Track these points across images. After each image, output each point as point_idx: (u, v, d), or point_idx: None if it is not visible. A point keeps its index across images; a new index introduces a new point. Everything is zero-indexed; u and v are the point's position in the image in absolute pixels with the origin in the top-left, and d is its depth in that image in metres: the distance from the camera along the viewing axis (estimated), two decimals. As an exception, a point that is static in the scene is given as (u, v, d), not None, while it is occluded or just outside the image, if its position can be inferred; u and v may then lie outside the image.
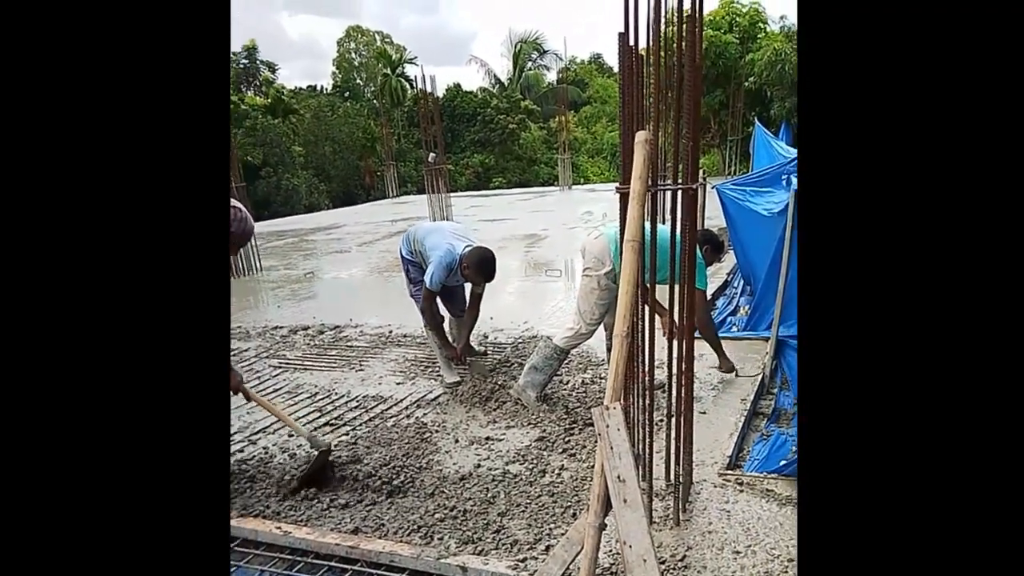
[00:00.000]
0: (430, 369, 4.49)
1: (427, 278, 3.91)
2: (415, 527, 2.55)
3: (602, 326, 3.78)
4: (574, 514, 2.54)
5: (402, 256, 4.33)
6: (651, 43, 2.31)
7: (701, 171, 5.55)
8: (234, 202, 2.83)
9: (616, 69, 2.25)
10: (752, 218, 4.53)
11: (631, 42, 2.28)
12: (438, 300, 4.30)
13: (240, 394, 2.98)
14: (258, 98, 28.30)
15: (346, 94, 34.40)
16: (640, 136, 2.25)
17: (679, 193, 2.36)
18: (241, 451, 3.35)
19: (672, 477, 2.55)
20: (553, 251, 9.08)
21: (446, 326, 4.37)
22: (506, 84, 35.04)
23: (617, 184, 2.41)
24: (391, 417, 3.73)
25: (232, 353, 5.21)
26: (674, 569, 2.22)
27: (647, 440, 2.55)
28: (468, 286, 4.24)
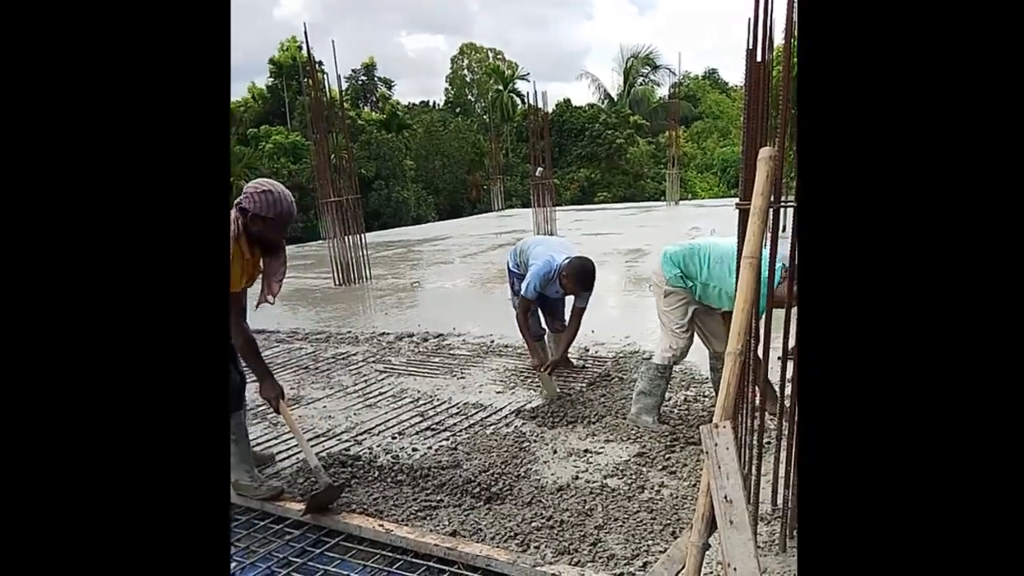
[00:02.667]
0: (530, 380, 4.51)
1: (523, 286, 3.97)
2: (512, 534, 2.55)
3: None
4: (673, 532, 2.47)
5: (509, 269, 4.44)
6: (777, 57, 2.24)
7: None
8: (269, 182, 2.84)
9: (731, 84, 2.20)
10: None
11: (758, 58, 2.22)
12: (539, 313, 4.33)
13: (274, 407, 2.98)
14: (374, 113, 29.57)
15: (457, 110, 35.38)
16: (764, 152, 2.18)
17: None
18: (347, 451, 3.48)
19: (779, 501, 2.43)
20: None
21: (546, 340, 4.38)
22: (616, 99, 34.94)
23: (737, 200, 2.34)
24: (491, 425, 3.76)
25: (342, 356, 5.43)
26: (780, 599, 2.11)
27: (754, 462, 2.44)
28: (570, 300, 4.24)
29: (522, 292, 3.98)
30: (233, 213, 2.77)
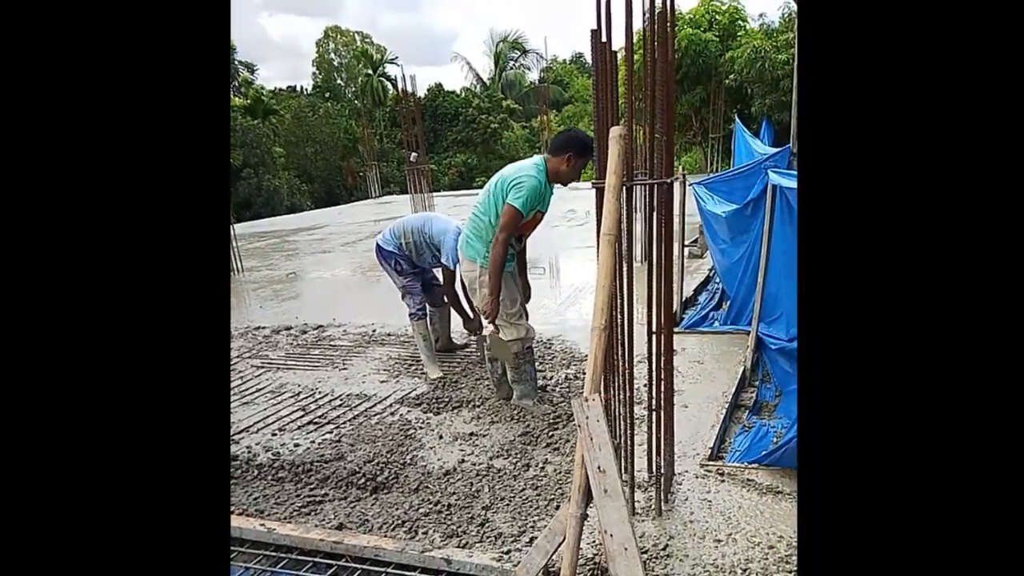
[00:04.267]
0: (413, 367, 4.51)
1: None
2: (400, 522, 2.57)
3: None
4: (557, 506, 2.57)
5: (386, 252, 4.30)
6: (625, 41, 2.35)
7: (680, 168, 5.60)
8: None
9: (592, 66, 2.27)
10: (723, 215, 4.59)
11: (604, 39, 2.32)
12: (417, 292, 4.31)
13: None
14: (237, 99, 28.09)
15: (327, 95, 34.25)
16: (614, 131, 2.28)
17: (654, 187, 2.40)
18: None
19: (654, 468, 2.59)
20: (535, 250, 9.10)
21: (423, 326, 4.36)
22: (488, 83, 35.06)
23: (593, 180, 2.44)
24: (375, 415, 3.74)
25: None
26: (656, 558, 2.26)
27: (628, 432, 2.58)
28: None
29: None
30: None
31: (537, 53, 34.97)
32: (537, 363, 4.33)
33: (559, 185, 3.35)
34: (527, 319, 3.51)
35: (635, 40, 2.56)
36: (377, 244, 4.37)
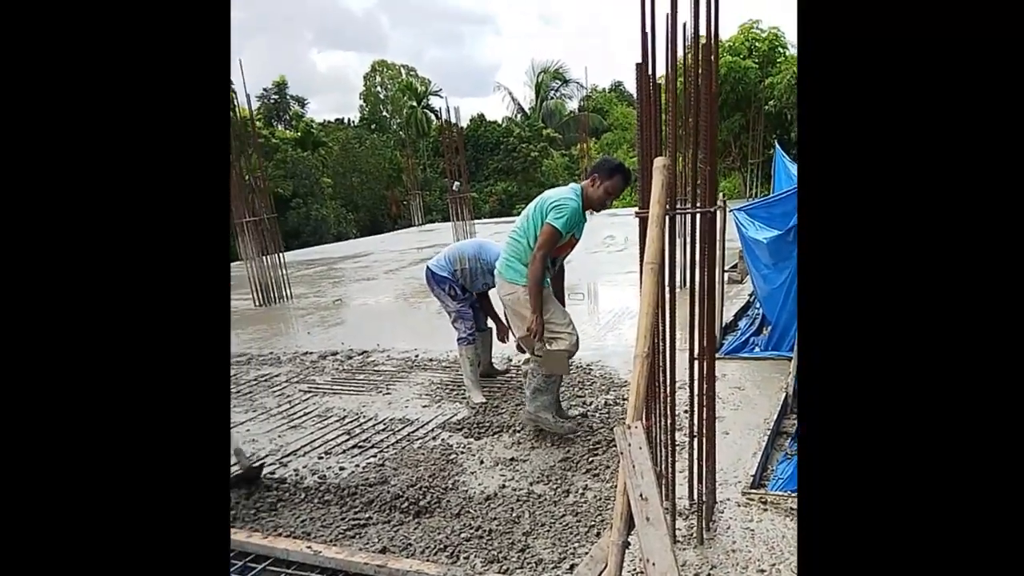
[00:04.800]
0: (455, 392, 4.55)
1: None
2: (442, 546, 2.60)
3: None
4: (598, 533, 2.57)
5: (439, 277, 4.35)
6: (668, 70, 2.39)
7: (720, 194, 5.59)
8: None
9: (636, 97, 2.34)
10: (765, 240, 4.57)
11: (648, 71, 2.37)
12: (469, 317, 4.35)
13: None
14: (288, 132, 28.95)
15: (373, 126, 35.03)
16: (658, 162, 2.32)
17: (697, 216, 2.42)
18: (272, 474, 3.43)
19: (695, 496, 2.57)
20: (575, 275, 9.13)
21: (472, 351, 4.39)
22: (528, 113, 35.47)
23: (636, 209, 2.48)
24: (417, 439, 3.79)
25: (264, 378, 5.33)
26: (698, 587, 2.24)
27: (670, 459, 2.57)
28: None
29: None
30: None
31: (577, 82, 35.27)
32: (576, 388, 4.35)
33: (591, 212, 3.43)
34: (574, 328, 3.47)
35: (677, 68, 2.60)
36: (430, 270, 4.41)
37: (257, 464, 3.01)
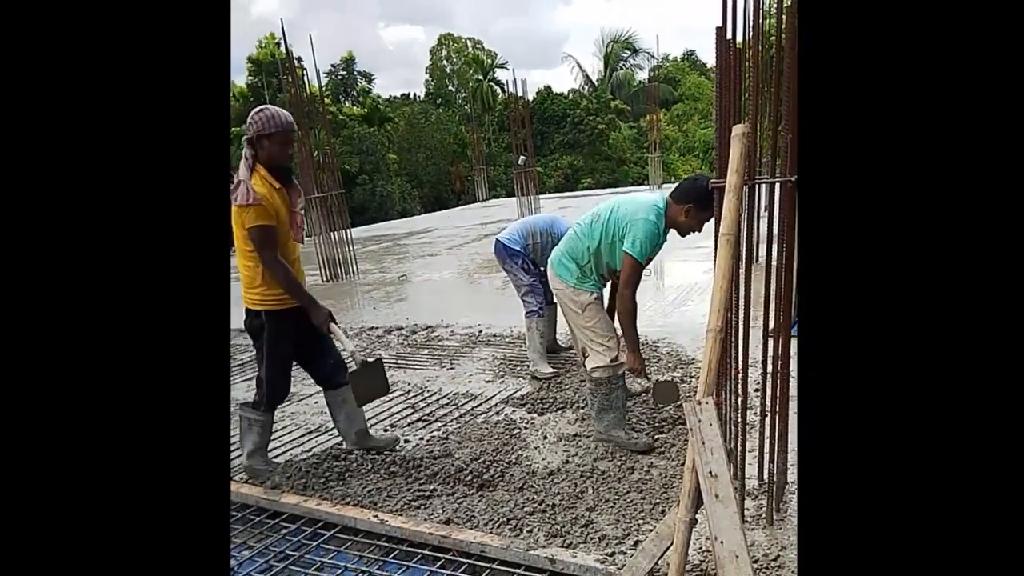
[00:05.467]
0: (518, 368, 4.54)
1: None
2: (504, 519, 2.59)
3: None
4: (663, 511, 2.52)
5: (512, 251, 4.32)
6: (749, 36, 2.27)
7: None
8: (263, 106, 2.94)
9: (710, 65, 2.22)
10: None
11: (728, 36, 2.25)
12: (540, 291, 4.28)
13: (326, 328, 3.00)
14: (355, 108, 29.38)
15: (438, 101, 35.21)
16: (737, 129, 2.21)
17: (776, 186, 2.30)
18: (341, 444, 3.50)
19: (765, 476, 2.48)
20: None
21: (543, 324, 4.33)
22: (596, 85, 34.93)
23: (712, 179, 2.37)
24: (481, 414, 3.80)
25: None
26: (767, 568, 2.16)
27: (740, 438, 2.49)
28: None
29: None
30: (245, 151, 2.84)
31: (648, 52, 34.50)
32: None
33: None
34: (618, 345, 3.20)
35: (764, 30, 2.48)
36: (501, 243, 4.40)
37: (373, 359, 3.06)
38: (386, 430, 3.67)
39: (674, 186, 3.05)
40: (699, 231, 3.02)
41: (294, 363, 3.19)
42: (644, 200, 3.04)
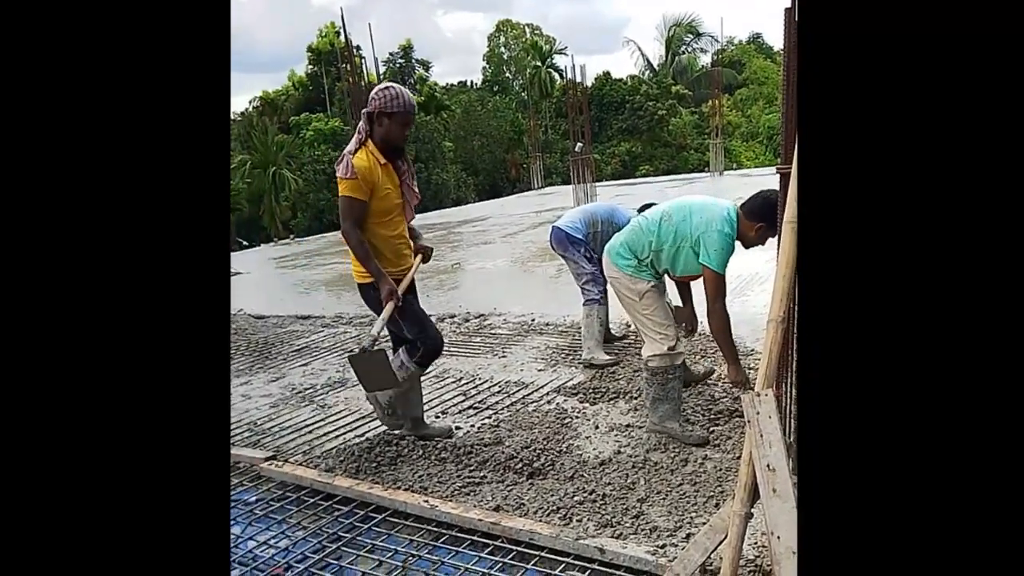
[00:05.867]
0: (570, 357, 4.50)
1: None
2: (554, 508, 2.57)
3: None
4: (716, 504, 2.45)
5: (575, 239, 4.27)
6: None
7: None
8: (389, 83, 2.99)
9: (776, 48, 2.14)
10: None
11: (797, 14, 2.15)
12: (601, 280, 4.15)
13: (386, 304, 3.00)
14: (413, 96, 29.68)
15: (495, 88, 35.20)
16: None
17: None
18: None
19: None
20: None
21: (603, 312, 4.29)
22: (657, 69, 34.34)
23: (777, 164, 2.28)
24: (532, 402, 3.78)
25: (385, 339, 5.50)
26: (828, 570, 2.08)
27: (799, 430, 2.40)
28: None
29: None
30: (360, 124, 2.96)
31: (711, 36, 33.71)
32: (700, 356, 4.18)
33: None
34: (677, 335, 3.13)
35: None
36: (563, 231, 4.33)
37: (376, 348, 2.99)
38: (438, 417, 3.69)
39: (747, 199, 2.99)
40: (763, 245, 3.01)
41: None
42: (717, 209, 2.97)
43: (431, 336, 3.20)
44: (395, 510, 2.75)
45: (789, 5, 2.13)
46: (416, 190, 3.16)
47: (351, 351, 3.10)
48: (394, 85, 2.97)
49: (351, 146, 2.95)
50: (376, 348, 3.00)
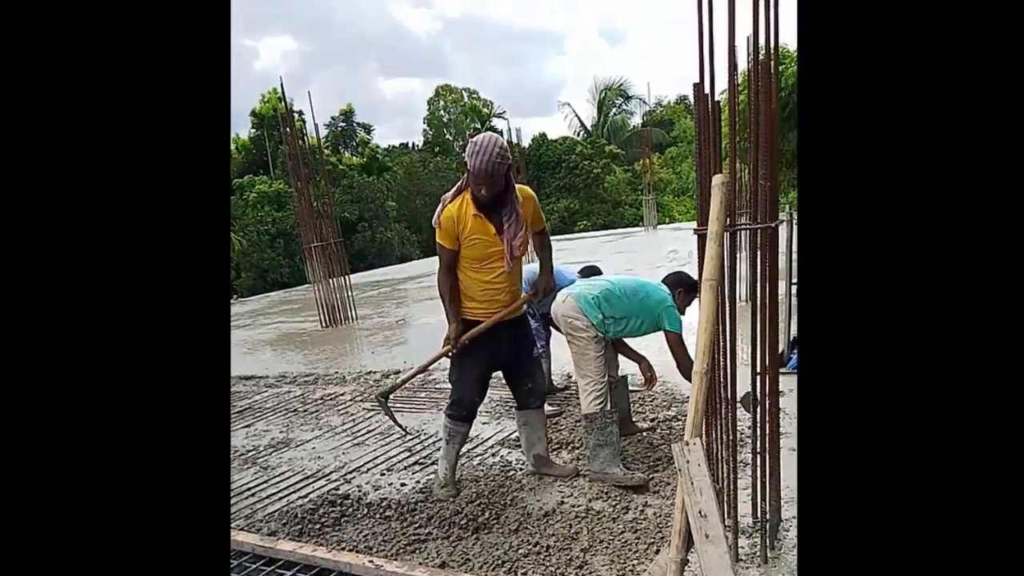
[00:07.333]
0: (514, 409, 4.54)
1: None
2: (500, 562, 2.60)
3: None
4: (657, 551, 2.52)
5: None
6: (728, 86, 2.37)
7: (788, 207, 5.46)
8: (485, 134, 2.92)
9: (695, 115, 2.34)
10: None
11: (707, 90, 2.35)
12: (543, 335, 4.33)
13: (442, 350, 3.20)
14: (355, 158, 29.78)
15: (436, 149, 35.67)
16: (716, 179, 2.30)
17: (758, 232, 2.38)
18: (336, 490, 3.51)
19: (759, 514, 2.49)
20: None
21: (546, 366, 4.38)
22: (591, 130, 35.50)
23: (695, 225, 2.45)
24: (477, 456, 3.81)
25: (330, 397, 5.47)
26: (762, 608, 2.16)
27: (731, 476, 2.51)
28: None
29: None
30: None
31: (640, 98, 35.18)
32: (638, 404, 4.29)
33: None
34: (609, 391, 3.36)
35: (739, 80, 2.57)
36: None
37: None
38: (383, 474, 3.68)
39: (664, 277, 3.65)
40: (689, 306, 3.57)
41: (487, 376, 3.35)
42: (659, 287, 3.52)
43: (462, 392, 3.28)
44: (340, 572, 2.72)
45: (697, 80, 2.33)
46: (517, 243, 3.07)
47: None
48: (482, 137, 2.88)
49: (449, 193, 3.02)
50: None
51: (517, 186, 3.06)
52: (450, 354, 3.19)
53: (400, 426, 3.75)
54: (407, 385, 5.53)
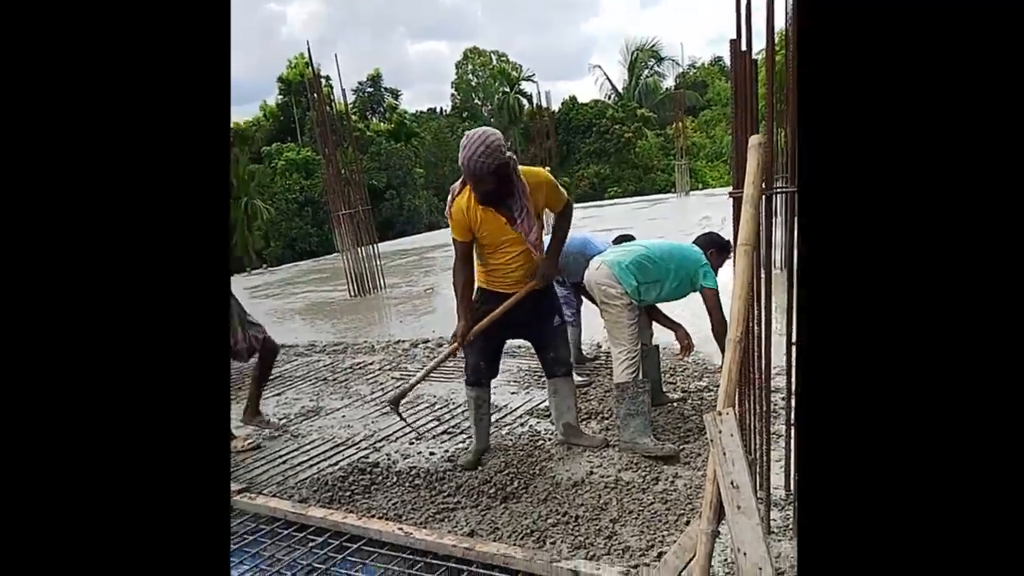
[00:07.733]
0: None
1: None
2: (528, 531, 2.59)
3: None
4: (687, 522, 2.49)
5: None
6: (766, 43, 2.26)
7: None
8: (480, 129, 2.87)
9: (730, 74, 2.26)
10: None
11: (743, 47, 2.25)
12: (573, 304, 4.32)
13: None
14: (382, 124, 29.74)
15: (464, 114, 35.46)
16: (753, 140, 2.21)
17: (795, 196, 2.29)
18: (366, 458, 3.54)
19: (792, 487, 2.45)
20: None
21: (576, 334, 4.40)
22: (622, 93, 34.92)
23: (730, 189, 2.37)
24: (505, 425, 3.80)
25: (359, 366, 5.51)
26: (795, 582, 2.13)
27: (764, 448, 2.46)
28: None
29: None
30: None
31: (673, 60, 34.45)
32: (669, 375, 4.24)
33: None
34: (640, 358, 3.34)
35: (777, 41, 2.46)
36: None
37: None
38: (411, 443, 3.70)
39: (695, 238, 3.66)
40: (721, 267, 3.53)
41: (499, 343, 3.46)
42: (692, 248, 3.53)
43: (467, 354, 3.38)
44: (369, 539, 2.74)
45: (734, 37, 2.23)
46: (533, 238, 3.04)
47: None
48: (472, 132, 2.85)
49: (457, 184, 3.01)
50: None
51: (528, 169, 3.00)
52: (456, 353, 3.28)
53: (413, 428, 3.79)
54: (435, 355, 5.56)
